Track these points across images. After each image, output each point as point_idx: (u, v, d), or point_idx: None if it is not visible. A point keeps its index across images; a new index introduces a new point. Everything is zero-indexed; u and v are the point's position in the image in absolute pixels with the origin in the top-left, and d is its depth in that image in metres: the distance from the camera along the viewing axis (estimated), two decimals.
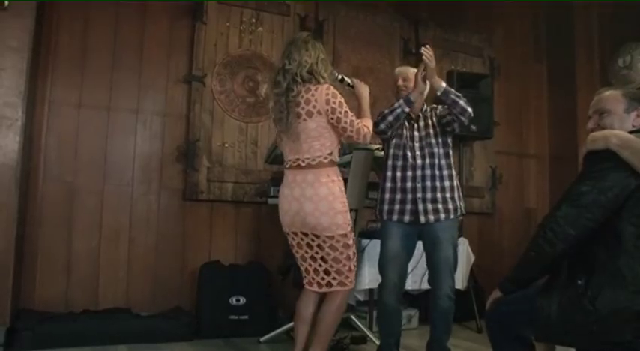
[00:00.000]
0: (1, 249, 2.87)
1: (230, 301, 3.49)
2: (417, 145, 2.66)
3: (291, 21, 4.12)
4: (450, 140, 2.74)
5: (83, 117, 3.55)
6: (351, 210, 2.99)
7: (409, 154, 2.66)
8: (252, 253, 3.89)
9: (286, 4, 4.10)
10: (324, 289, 2.37)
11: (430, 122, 2.70)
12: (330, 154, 2.35)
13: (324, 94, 2.30)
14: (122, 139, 3.65)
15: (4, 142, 2.90)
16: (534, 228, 1.68)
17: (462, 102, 2.54)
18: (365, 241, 3.45)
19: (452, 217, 2.64)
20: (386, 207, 2.70)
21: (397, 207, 2.66)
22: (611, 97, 1.78)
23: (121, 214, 3.60)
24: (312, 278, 2.40)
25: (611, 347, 1.50)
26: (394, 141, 2.71)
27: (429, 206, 2.61)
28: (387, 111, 2.66)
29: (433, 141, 2.66)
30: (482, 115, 4.15)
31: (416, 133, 2.68)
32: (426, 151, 2.65)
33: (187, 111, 3.80)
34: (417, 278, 3.43)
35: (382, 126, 2.64)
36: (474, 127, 4.10)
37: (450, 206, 2.64)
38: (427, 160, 2.64)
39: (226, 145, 3.86)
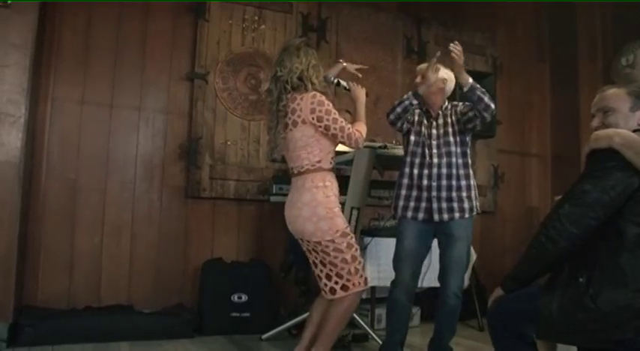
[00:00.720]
0: (3, 246, 2.88)
1: (232, 298, 3.50)
2: (434, 143, 2.66)
3: (293, 19, 4.11)
4: (468, 139, 2.73)
5: (86, 114, 3.55)
6: (352, 208, 3.02)
7: (427, 151, 2.66)
8: (254, 251, 3.90)
9: (289, 2, 4.10)
10: (329, 296, 2.36)
11: (449, 120, 2.69)
12: (319, 161, 2.36)
13: (309, 104, 2.31)
14: (125, 136, 3.65)
15: (6, 139, 2.91)
16: (536, 227, 1.68)
17: (486, 98, 2.53)
18: (367, 239, 3.45)
19: (467, 216, 2.64)
20: (401, 203, 2.71)
21: (412, 204, 2.68)
22: (616, 95, 1.77)
23: (124, 211, 3.60)
24: (325, 285, 2.38)
25: (613, 345, 1.50)
26: (413, 138, 2.72)
27: (444, 205, 2.61)
28: (396, 102, 2.70)
29: (451, 139, 2.66)
30: None
31: (434, 131, 2.68)
32: (443, 149, 2.65)
33: (190, 109, 3.80)
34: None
35: (391, 117, 2.69)
36: None
37: (466, 205, 2.63)
38: (444, 159, 2.64)
39: (229, 143, 3.86)
